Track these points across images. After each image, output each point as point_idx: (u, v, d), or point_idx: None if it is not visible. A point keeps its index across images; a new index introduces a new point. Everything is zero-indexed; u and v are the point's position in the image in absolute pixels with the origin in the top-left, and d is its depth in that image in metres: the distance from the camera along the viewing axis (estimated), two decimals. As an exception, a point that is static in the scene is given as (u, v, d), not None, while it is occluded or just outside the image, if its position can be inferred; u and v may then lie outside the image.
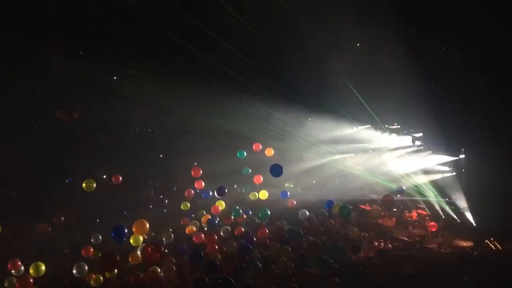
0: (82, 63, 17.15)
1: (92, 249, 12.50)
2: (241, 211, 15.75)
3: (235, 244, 12.35)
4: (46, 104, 18.50)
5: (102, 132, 19.75)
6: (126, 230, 11.03)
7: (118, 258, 10.14)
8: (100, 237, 13.33)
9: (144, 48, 17.56)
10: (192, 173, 16.67)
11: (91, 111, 20.02)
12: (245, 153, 17.38)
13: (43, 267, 10.24)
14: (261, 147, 17.01)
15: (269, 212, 15.61)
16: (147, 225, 11.33)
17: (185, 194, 16.69)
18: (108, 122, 19.65)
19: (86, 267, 10.57)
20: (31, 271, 10.13)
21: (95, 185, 13.38)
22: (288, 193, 17.06)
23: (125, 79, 19.05)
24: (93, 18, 16.07)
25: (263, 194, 16.53)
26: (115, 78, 18.70)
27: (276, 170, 13.41)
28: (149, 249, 10.67)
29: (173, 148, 20.76)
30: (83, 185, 13.33)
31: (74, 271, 10.42)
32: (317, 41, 16.80)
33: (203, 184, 16.72)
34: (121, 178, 16.48)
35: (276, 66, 17.46)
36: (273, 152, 16.86)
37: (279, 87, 17.72)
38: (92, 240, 13.11)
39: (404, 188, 18.18)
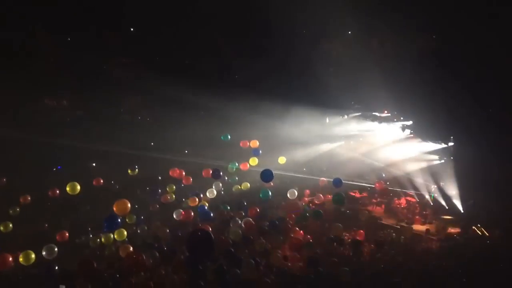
0: (71, 49, 17.02)
1: (67, 234, 12.58)
2: (228, 207, 15.91)
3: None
4: (34, 91, 18.29)
5: (91, 120, 19.60)
6: (119, 220, 11.10)
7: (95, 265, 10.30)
8: (90, 235, 13.37)
9: (133, 36, 17.48)
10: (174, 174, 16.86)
11: (80, 99, 19.85)
12: (229, 136, 17.54)
13: (33, 255, 10.24)
14: (248, 144, 17.17)
15: (270, 193, 15.67)
16: (128, 205, 11.26)
17: (170, 173, 16.80)
18: (98, 109, 19.50)
19: (56, 249, 10.80)
20: (21, 259, 10.12)
21: (79, 187, 13.05)
22: (260, 151, 17.12)
23: (115, 66, 18.93)
24: (82, 3, 15.95)
25: (253, 161, 16.96)
26: (104, 67, 18.53)
27: (267, 176, 13.53)
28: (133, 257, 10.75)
29: (163, 136, 20.68)
30: (67, 188, 12.98)
31: (44, 253, 10.54)
32: (307, 27, 16.80)
33: (191, 180, 16.80)
34: (102, 181, 16.44)
35: (265, 53, 17.44)
36: (258, 143, 17.05)
37: (267, 75, 17.71)
38: (82, 238, 13.18)
39: (383, 174, 18.27)
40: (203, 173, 17.00)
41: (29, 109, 18.62)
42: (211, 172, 16.29)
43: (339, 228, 13.97)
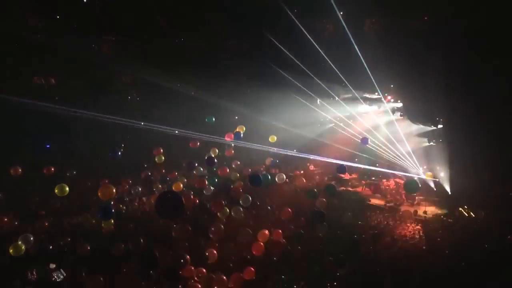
0: (59, 28, 16.66)
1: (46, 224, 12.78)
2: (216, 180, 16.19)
3: None
4: (22, 70, 18.00)
5: (81, 99, 19.35)
6: (113, 210, 11.16)
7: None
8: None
9: (122, 14, 17.09)
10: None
11: (69, 78, 19.55)
12: (213, 119, 17.54)
13: (23, 247, 10.33)
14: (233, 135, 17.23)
15: (269, 177, 15.75)
16: (113, 189, 11.25)
17: (154, 153, 17.05)
18: (88, 90, 19.24)
19: (32, 238, 10.87)
20: (11, 251, 10.20)
21: (67, 188, 12.86)
22: (242, 134, 17.27)
23: (104, 45, 18.59)
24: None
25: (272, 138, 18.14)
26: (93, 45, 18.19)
27: (256, 181, 13.60)
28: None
29: (153, 117, 20.54)
30: (55, 190, 12.72)
31: (19, 243, 10.60)
32: (298, 7, 16.51)
33: (176, 173, 16.84)
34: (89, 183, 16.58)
35: (254, 33, 17.18)
36: (244, 129, 17.08)
37: (256, 56, 17.52)
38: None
39: (368, 139, 18.35)
40: (190, 144, 17.07)
41: (18, 87, 18.31)
42: (205, 158, 16.23)
43: (323, 201, 14.00)
